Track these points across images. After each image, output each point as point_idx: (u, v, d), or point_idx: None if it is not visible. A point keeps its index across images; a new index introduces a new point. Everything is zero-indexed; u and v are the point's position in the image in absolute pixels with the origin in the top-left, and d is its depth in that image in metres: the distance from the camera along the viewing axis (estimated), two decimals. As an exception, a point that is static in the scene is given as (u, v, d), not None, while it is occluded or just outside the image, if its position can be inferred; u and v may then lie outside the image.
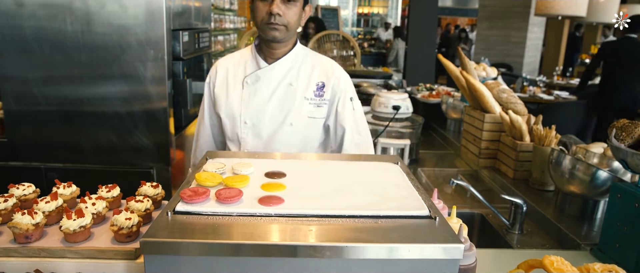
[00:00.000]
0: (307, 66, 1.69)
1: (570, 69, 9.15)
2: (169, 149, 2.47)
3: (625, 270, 1.01)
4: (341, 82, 1.70)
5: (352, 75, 2.12)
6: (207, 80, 1.76)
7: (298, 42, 1.71)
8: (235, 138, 1.68)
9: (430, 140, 3.23)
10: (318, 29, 4.91)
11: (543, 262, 1.03)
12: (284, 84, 1.66)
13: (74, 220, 1.03)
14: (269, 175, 1.07)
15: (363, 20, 16.38)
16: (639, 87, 4.87)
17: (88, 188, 1.29)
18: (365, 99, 3.44)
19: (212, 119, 1.77)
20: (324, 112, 1.68)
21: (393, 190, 1.00)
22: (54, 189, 1.23)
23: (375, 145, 2.47)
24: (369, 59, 10.73)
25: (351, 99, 1.72)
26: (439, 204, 1.15)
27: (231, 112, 1.67)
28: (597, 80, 7.67)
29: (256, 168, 1.12)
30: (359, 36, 15.20)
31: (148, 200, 1.19)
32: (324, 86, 1.68)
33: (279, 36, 1.56)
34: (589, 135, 5.19)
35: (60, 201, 1.16)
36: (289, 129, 1.64)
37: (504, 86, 2.56)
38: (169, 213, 0.85)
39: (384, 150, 2.48)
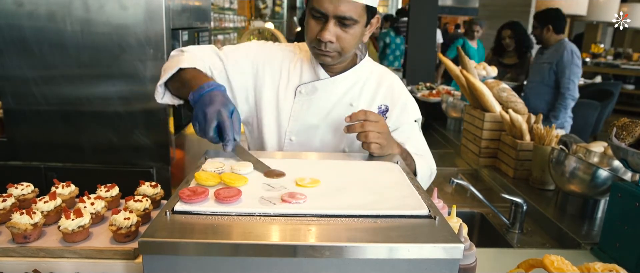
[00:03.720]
0: (371, 84, 1.46)
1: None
2: (168, 149, 2.47)
3: (626, 270, 1.01)
4: (409, 108, 1.49)
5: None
6: (253, 56, 1.44)
7: (366, 54, 1.48)
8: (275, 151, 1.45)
9: (430, 140, 3.22)
10: (517, 37, 4.34)
11: (543, 262, 1.03)
12: (344, 102, 1.43)
13: (73, 220, 1.02)
14: (268, 174, 1.07)
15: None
16: None
17: (88, 187, 1.28)
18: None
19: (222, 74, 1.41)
20: None
21: (393, 189, 1.00)
22: (53, 189, 1.23)
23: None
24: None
25: (416, 121, 1.51)
26: (439, 204, 1.14)
27: (277, 122, 1.44)
28: (597, 79, 7.67)
29: (255, 168, 1.11)
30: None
31: (147, 200, 1.19)
32: (387, 110, 1.46)
33: (331, 62, 1.36)
34: (589, 134, 5.18)
35: (58, 201, 1.15)
36: (342, 154, 1.37)
37: (504, 85, 2.56)
38: (168, 213, 0.84)
39: (384, 149, 2.47)
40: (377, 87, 1.47)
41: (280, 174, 1.07)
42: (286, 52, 1.49)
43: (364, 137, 1.22)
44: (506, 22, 4.56)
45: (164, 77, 1.33)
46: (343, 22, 1.26)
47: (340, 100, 1.44)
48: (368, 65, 1.48)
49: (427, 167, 1.45)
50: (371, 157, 1.26)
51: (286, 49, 1.51)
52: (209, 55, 1.43)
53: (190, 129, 2.85)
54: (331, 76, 1.43)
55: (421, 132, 1.56)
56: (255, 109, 1.48)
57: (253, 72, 1.45)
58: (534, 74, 3.83)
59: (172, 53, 1.43)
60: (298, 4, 12.09)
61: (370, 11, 1.31)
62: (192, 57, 1.36)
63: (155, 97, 1.39)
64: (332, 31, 1.26)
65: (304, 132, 1.44)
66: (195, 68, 1.31)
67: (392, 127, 1.45)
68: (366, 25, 1.34)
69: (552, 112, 3.64)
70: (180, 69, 1.31)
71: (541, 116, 2.25)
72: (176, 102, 1.39)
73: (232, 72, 1.43)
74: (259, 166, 1.11)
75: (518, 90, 3.87)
